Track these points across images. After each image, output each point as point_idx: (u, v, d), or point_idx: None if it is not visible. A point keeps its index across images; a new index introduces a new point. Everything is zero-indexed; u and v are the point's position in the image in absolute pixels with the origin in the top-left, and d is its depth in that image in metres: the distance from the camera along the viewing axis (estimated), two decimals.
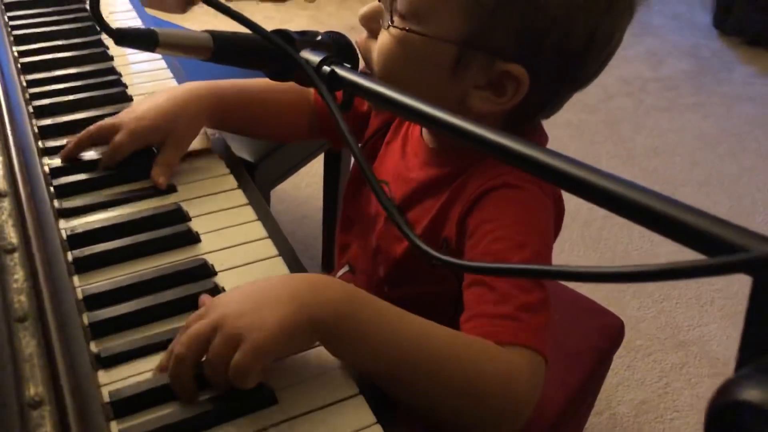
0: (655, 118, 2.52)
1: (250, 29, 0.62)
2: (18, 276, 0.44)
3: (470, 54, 0.64)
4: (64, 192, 0.73)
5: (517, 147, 0.45)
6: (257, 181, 1.37)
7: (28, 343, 0.40)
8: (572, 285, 1.63)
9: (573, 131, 2.40)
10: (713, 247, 0.33)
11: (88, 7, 1.04)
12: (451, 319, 0.62)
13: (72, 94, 0.87)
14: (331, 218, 1.68)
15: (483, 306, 0.60)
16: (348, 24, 2.92)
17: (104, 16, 0.54)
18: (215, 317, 0.53)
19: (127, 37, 0.57)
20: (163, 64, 0.97)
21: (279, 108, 0.87)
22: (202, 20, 2.90)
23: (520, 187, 0.66)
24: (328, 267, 1.74)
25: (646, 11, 3.24)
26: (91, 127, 0.77)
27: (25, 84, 0.89)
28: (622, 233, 2.01)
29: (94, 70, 0.92)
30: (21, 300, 0.43)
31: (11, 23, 1.00)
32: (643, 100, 2.61)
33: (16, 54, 0.93)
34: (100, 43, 0.99)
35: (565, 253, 1.94)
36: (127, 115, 0.78)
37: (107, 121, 0.77)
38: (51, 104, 0.85)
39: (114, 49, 0.98)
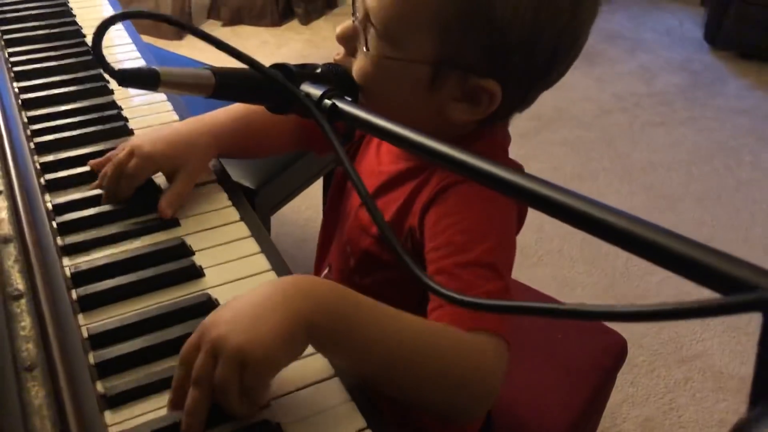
0: (650, 134, 2.54)
1: (251, 66, 0.62)
2: (25, 323, 0.44)
3: (444, 72, 0.67)
4: (67, 228, 0.73)
5: (509, 178, 0.46)
6: (258, 206, 1.37)
7: (37, 394, 0.40)
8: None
9: (569, 149, 2.41)
10: (721, 283, 0.34)
11: (90, 45, 1.05)
12: (419, 304, 0.66)
13: (73, 129, 0.88)
14: (329, 188, 1.69)
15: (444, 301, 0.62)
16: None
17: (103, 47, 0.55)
18: (211, 346, 0.53)
19: (129, 78, 0.58)
20: (163, 96, 0.98)
21: (264, 126, 0.88)
22: (199, 46, 2.91)
23: None
24: None
25: (638, 27, 3.28)
26: (110, 169, 0.78)
27: (26, 120, 0.89)
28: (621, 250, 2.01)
29: (94, 105, 0.93)
30: (29, 348, 0.43)
31: (11, 59, 1.01)
32: (637, 115, 2.63)
33: (17, 90, 0.94)
34: (100, 77, 1.00)
35: (566, 269, 1.94)
36: (138, 140, 0.79)
37: (121, 154, 0.78)
38: (52, 141, 0.86)
39: (114, 83, 0.98)
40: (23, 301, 0.46)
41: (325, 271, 0.90)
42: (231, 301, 0.56)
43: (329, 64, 0.74)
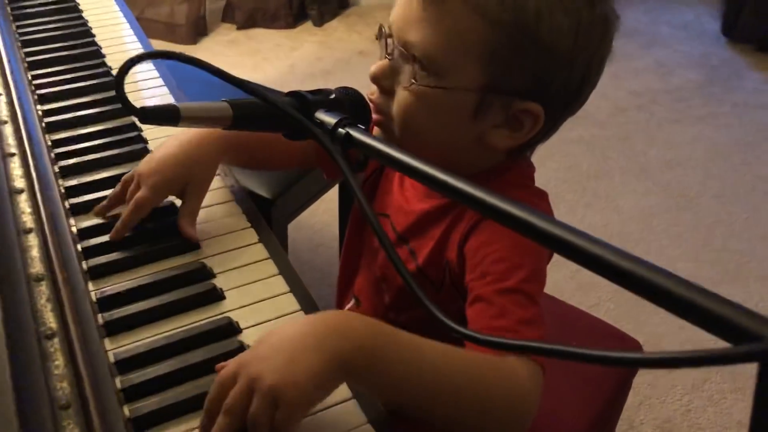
0: (667, 131, 2.53)
1: (262, 99, 0.64)
2: (59, 362, 0.47)
3: (490, 98, 0.68)
4: (90, 253, 0.75)
5: (523, 216, 0.46)
6: (275, 216, 1.39)
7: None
8: (589, 309, 1.64)
9: (585, 147, 2.41)
10: (726, 332, 0.35)
11: (108, 65, 1.08)
12: (458, 340, 0.65)
13: (95, 152, 0.90)
14: (347, 220, 1.70)
15: (484, 320, 0.66)
16: (357, 48, 2.96)
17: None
18: (248, 381, 0.55)
19: (150, 115, 0.60)
20: None
21: (275, 138, 0.89)
22: (214, 50, 2.94)
23: None
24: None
25: (654, 21, 3.25)
26: (115, 196, 0.80)
27: (50, 143, 0.92)
28: (637, 249, 2.01)
29: (115, 127, 0.95)
30: (63, 387, 0.45)
31: (34, 82, 1.03)
32: (654, 112, 2.62)
33: (40, 113, 0.97)
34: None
35: (583, 271, 1.93)
36: (144, 168, 0.80)
37: (126, 181, 0.80)
38: (76, 164, 0.88)
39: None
40: (56, 340, 0.49)
41: (351, 304, 0.91)
42: (268, 337, 0.58)
43: (342, 88, 0.75)
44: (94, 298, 0.69)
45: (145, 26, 3.04)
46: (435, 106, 0.70)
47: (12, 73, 0.83)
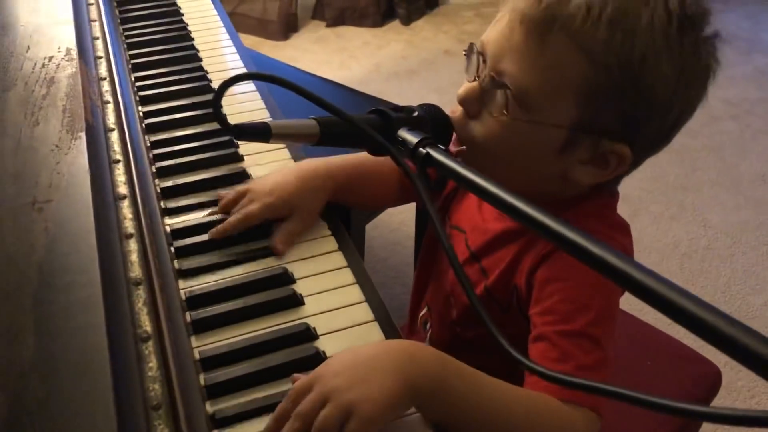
0: (763, 143, 2.41)
1: (343, 119, 0.66)
2: (152, 364, 0.51)
3: (579, 136, 0.68)
4: (182, 253, 0.80)
5: (597, 252, 0.47)
6: (354, 217, 1.43)
7: (162, 431, 0.46)
8: (667, 327, 1.59)
9: (673, 157, 2.33)
10: None
11: (205, 69, 1.13)
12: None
13: (190, 155, 0.95)
14: (424, 231, 1.72)
15: (544, 362, 0.66)
16: (442, 47, 2.96)
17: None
18: (323, 390, 0.58)
19: (244, 133, 0.64)
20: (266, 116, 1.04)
21: (374, 179, 0.92)
22: (303, 47, 3.01)
23: None
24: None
25: (754, 27, 3.10)
26: (228, 202, 0.84)
27: (149, 144, 0.97)
28: (724, 266, 1.94)
29: (210, 131, 1.00)
30: (155, 388, 0.49)
31: (137, 84, 1.10)
32: (749, 123, 2.50)
33: (141, 115, 1.03)
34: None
35: None
36: (258, 187, 0.85)
37: (241, 192, 0.85)
38: (172, 166, 0.93)
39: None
40: (150, 342, 0.53)
41: (424, 311, 0.93)
42: (343, 355, 0.62)
43: (425, 105, 0.77)
44: (183, 297, 0.74)
45: (237, 21, 3.15)
46: (522, 138, 0.69)
47: (119, 79, 0.89)
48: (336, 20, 3.12)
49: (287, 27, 3.06)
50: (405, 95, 2.66)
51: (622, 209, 0.79)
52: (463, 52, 0.75)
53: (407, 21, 3.11)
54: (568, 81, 0.65)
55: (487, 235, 0.80)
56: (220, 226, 0.82)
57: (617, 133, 0.67)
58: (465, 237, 0.83)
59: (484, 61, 0.71)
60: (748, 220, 2.09)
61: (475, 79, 0.72)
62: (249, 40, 2.98)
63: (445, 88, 2.64)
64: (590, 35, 0.63)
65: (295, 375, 0.65)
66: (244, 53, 1.24)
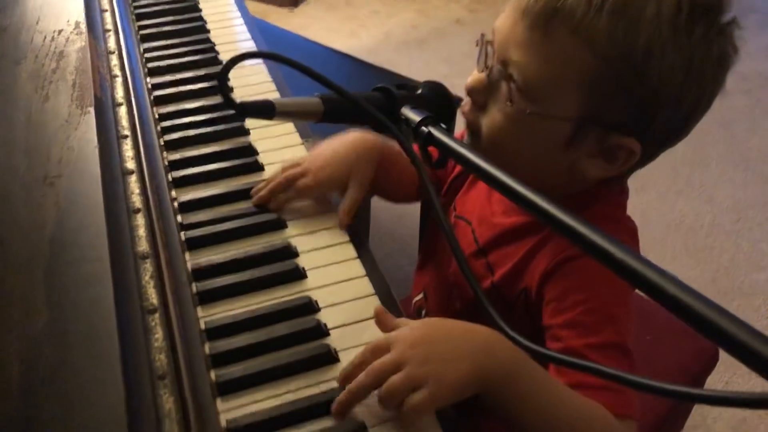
0: None
1: (346, 98, 0.67)
2: (158, 336, 0.53)
3: (586, 129, 0.67)
4: (189, 226, 0.82)
5: (597, 241, 0.48)
6: None
7: (167, 400, 0.49)
8: None
9: None
10: None
11: (213, 41, 1.13)
12: None
13: (197, 128, 0.97)
14: (427, 216, 1.73)
15: (577, 376, 0.66)
16: (454, 17, 2.94)
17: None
18: (400, 357, 0.61)
19: (248, 110, 0.65)
20: (276, 95, 1.05)
21: (402, 168, 0.91)
22: (312, 15, 3.00)
23: None
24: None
25: None
26: (281, 178, 0.86)
27: (157, 116, 0.99)
28: (728, 242, 1.95)
29: (217, 104, 1.01)
30: (161, 359, 0.52)
31: (146, 55, 1.11)
32: (761, 98, 2.48)
33: (149, 87, 1.04)
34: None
35: (667, 260, 1.90)
36: (311, 162, 0.86)
37: (295, 170, 0.85)
38: (179, 138, 0.95)
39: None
40: (156, 315, 0.55)
41: (419, 296, 0.93)
42: (424, 327, 0.65)
43: (429, 83, 0.77)
44: (189, 269, 0.77)
45: None
46: (527, 130, 0.69)
47: (128, 53, 0.90)
48: None
49: None
50: (414, 65, 2.65)
51: (629, 182, 0.78)
52: (475, 43, 0.75)
53: None
54: (572, 73, 0.65)
55: (495, 229, 0.80)
56: (278, 200, 0.84)
57: (625, 126, 0.66)
58: (472, 229, 0.83)
59: (493, 51, 0.71)
60: (755, 197, 2.09)
61: (483, 70, 0.72)
62: (258, 8, 2.97)
63: (456, 59, 2.63)
64: (592, 27, 0.63)
65: (378, 307, 0.69)
66: (252, 24, 1.24)
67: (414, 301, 0.95)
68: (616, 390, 0.64)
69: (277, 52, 1.17)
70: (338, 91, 0.66)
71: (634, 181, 0.78)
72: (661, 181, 2.13)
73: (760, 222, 2.01)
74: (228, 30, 1.23)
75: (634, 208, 0.77)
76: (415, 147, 0.67)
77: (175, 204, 0.84)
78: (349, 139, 0.88)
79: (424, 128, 0.67)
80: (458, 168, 0.92)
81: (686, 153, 2.24)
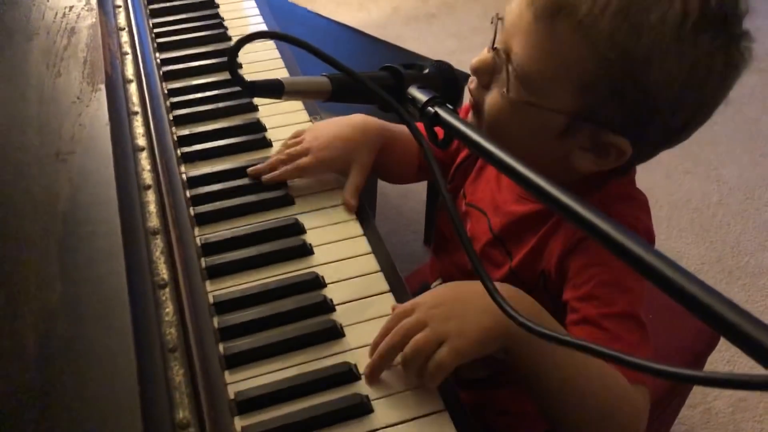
0: None
1: (354, 79, 0.67)
2: (169, 310, 0.55)
3: (579, 123, 0.68)
4: (198, 200, 0.84)
5: (600, 224, 0.48)
6: None
7: (178, 372, 0.51)
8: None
9: None
10: None
11: (222, 16, 1.14)
12: None
13: (206, 104, 0.98)
14: (433, 194, 1.75)
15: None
16: None
17: None
18: (422, 317, 0.64)
19: (258, 89, 0.66)
20: (285, 72, 1.06)
21: (404, 149, 0.93)
22: None
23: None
24: (429, 241, 1.82)
25: None
26: (282, 154, 0.87)
27: (166, 92, 1.00)
28: (735, 222, 1.95)
29: (225, 80, 1.02)
30: (171, 332, 0.53)
31: (155, 30, 1.11)
32: None
33: (158, 62, 1.05)
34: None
35: (673, 239, 1.91)
36: (313, 141, 0.87)
37: (296, 148, 0.87)
38: (188, 114, 0.96)
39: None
40: (167, 289, 0.57)
41: (437, 282, 0.95)
42: (444, 289, 0.68)
43: (437, 62, 0.77)
44: (198, 243, 0.78)
45: None
46: (523, 117, 0.70)
47: (138, 30, 0.91)
48: None
49: None
50: (423, 39, 2.64)
51: None
52: (491, 20, 0.74)
53: None
54: (570, 69, 0.65)
55: (509, 217, 0.81)
56: (274, 173, 0.86)
57: (618, 126, 0.67)
58: (487, 218, 0.84)
59: (503, 30, 0.71)
60: (764, 176, 2.08)
61: (491, 50, 0.72)
62: None
63: (464, 33, 2.61)
64: (594, 26, 0.62)
65: (393, 305, 0.71)
66: None
67: (432, 286, 0.96)
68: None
69: (287, 26, 1.18)
70: (346, 72, 0.67)
71: None
72: (669, 159, 2.12)
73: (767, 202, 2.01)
74: (237, 5, 1.23)
75: (641, 186, 0.78)
76: (420, 126, 0.68)
77: (184, 177, 0.85)
78: (352, 122, 0.89)
79: (430, 108, 0.67)
80: (465, 151, 0.92)
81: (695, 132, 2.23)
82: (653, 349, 0.71)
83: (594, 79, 0.64)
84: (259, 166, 0.87)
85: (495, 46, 0.71)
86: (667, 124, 0.67)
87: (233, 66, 0.64)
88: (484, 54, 0.73)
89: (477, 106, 0.75)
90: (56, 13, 0.81)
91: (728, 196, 2.03)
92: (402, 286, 0.77)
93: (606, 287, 0.70)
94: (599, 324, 0.69)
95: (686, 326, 1.20)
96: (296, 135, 0.90)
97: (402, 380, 0.67)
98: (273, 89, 0.67)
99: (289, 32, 1.14)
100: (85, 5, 0.83)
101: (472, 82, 0.75)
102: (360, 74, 0.69)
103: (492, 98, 0.72)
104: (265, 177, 0.86)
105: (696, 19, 0.61)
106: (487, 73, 0.72)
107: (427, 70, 0.76)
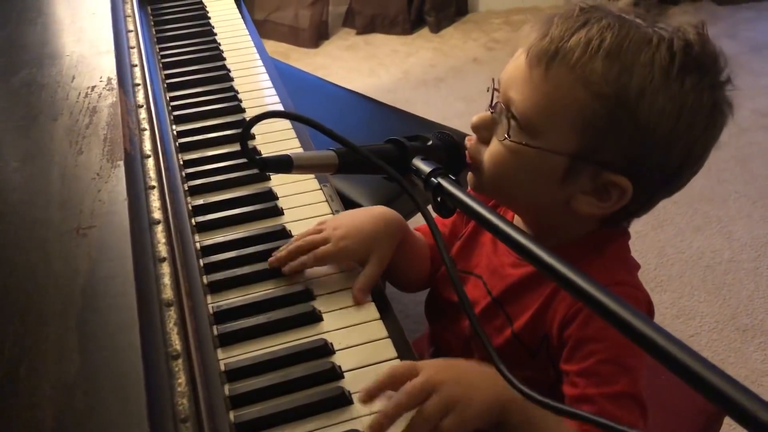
0: None
1: (358, 153, 0.71)
2: (181, 380, 0.57)
3: (580, 165, 0.71)
4: (211, 269, 0.86)
5: (607, 303, 0.49)
6: None
7: None
8: (689, 338, 1.61)
9: None
10: None
11: (236, 89, 1.19)
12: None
13: (221, 174, 1.01)
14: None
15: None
16: (471, 55, 2.99)
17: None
18: (434, 383, 0.66)
19: (269, 165, 0.69)
20: (296, 143, 1.10)
21: (419, 251, 0.92)
22: (333, 54, 3.07)
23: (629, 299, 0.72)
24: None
25: None
26: (302, 242, 0.85)
27: (182, 163, 1.04)
28: (748, 279, 1.95)
29: (238, 151, 1.06)
30: (183, 403, 0.55)
31: (172, 103, 1.17)
32: None
33: (174, 134, 1.09)
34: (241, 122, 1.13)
35: (685, 297, 1.90)
36: (333, 230, 0.85)
37: (316, 236, 0.86)
38: (203, 184, 1.00)
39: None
40: (180, 360, 0.59)
41: (432, 350, 0.96)
42: (452, 360, 0.71)
43: (440, 133, 0.81)
44: (211, 311, 0.80)
45: (270, 29, 3.21)
46: (525, 162, 0.73)
47: (156, 106, 0.95)
48: (366, 28, 3.17)
49: (318, 35, 3.12)
50: (432, 103, 2.70)
51: (647, 219, 0.81)
52: (487, 89, 0.79)
53: (436, 29, 3.15)
54: (567, 110, 0.69)
55: (507, 280, 0.82)
56: (293, 264, 0.84)
57: (618, 165, 0.70)
58: (483, 282, 0.85)
59: (499, 93, 0.76)
60: None
61: (489, 110, 0.77)
62: (281, 48, 3.05)
63: (473, 97, 2.67)
64: (588, 67, 0.67)
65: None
66: (273, 71, 1.29)
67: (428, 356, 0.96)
68: None
69: (299, 94, 1.22)
70: (352, 148, 0.70)
71: (651, 218, 0.81)
72: (679, 217, 2.13)
73: None
74: (252, 78, 1.28)
75: (651, 244, 0.80)
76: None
77: (198, 246, 0.88)
78: (373, 213, 0.89)
79: (433, 179, 0.70)
80: (470, 228, 0.92)
81: (704, 189, 2.25)
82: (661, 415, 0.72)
83: (592, 116, 0.68)
84: (278, 254, 0.86)
85: (494, 102, 0.75)
86: (662, 163, 0.70)
87: (245, 146, 0.67)
88: (483, 113, 0.77)
89: (475, 164, 0.78)
90: (79, 93, 0.85)
91: (740, 253, 2.03)
92: (410, 353, 0.78)
93: (606, 365, 0.71)
94: (599, 405, 0.69)
95: None
96: (318, 224, 0.89)
97: None
98: (282, 165, 0.70)
99: (302, 100, 1.20)
100: (106, 85, 0.88)
101: (470, 140, 0.78)
102: (365, 147, 0.73)
103: (492, 148, 0.75)
104: (285, 269, 0.85)
105: (681, 63, 0.67)
106: (487, 129, 0.76)
107: (430, 142, 0.79)
